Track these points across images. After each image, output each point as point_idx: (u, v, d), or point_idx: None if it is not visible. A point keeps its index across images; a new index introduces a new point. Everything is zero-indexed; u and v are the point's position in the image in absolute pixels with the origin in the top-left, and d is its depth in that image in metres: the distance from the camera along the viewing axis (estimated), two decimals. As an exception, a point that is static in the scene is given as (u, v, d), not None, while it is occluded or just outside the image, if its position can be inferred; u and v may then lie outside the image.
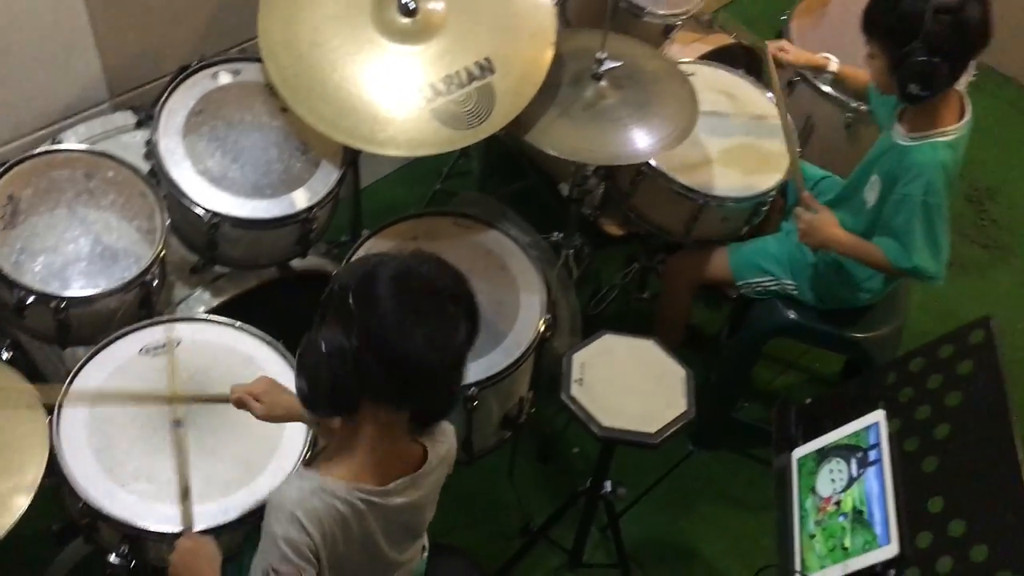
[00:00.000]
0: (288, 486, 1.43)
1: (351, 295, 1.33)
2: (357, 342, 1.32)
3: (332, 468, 1.43)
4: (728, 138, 2.59)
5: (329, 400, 1.38)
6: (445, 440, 1.55)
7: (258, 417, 1.67)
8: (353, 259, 1.39)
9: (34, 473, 1.67)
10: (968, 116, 2.16)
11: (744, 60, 3.00)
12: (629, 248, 3.18)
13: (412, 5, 2.13)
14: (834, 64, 2.48)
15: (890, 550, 1.59)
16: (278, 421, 1.70)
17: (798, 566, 1.71)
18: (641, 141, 2.22)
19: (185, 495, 1.69)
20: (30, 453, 1.69)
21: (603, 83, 2.26)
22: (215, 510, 1.76)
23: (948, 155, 2.13)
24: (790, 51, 2.50)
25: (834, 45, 2.65)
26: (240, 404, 1.67)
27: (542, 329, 2.17)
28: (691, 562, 2.65)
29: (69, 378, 1.87)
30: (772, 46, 2.51)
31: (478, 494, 2.64)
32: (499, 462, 2.61)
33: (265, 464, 1.83)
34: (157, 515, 1.74)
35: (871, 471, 1.72)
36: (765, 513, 2.70)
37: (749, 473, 2.81)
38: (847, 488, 1.73)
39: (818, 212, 2.30)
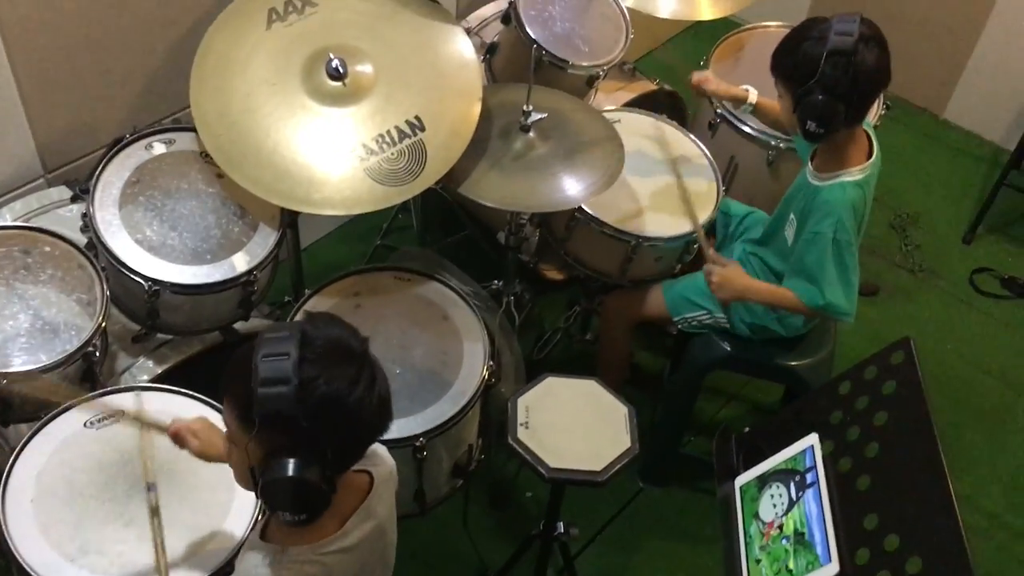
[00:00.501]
0: (248, 564, 1.44)
1: (284, 403, 1.29)
2: (314, 446, 1.33)
3: (290, 534, 1.42)
4: (656, 180, 2.68)
5: (303, 510, 1.38)
6: (383, 460, 1.58)
7: (193, 453, 1.70)
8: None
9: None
10: (875, 155, 2.26)
11: (667, 105, 3.11)
12: (569, 292, 3.25)
13: (341, 69, 2.19)
14: (753, 95, 2.59)
15: (831, 569, 1.64)
16: (211, 461, 1.71)
17: (746, 591, 1.76)
18: (571, 188, 2.29)
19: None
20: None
21: (531, 134, 2.34)
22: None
23: (856, 194, 2.22)
24: (712, 82, 2.60)
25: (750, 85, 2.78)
26: (176, 436, 1.71)
27: (486, 376, 2.21)
28: (649, 600, 2.68)
29: (14, 454, 1.86)
30: (696, 76, 2.61)
31: (433, 545, 2.65)
32: (452, 511, 2.62)
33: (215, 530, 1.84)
34: (108, 587, 1.73)
35: (809, 493, 1.78)
36: (718, 545, 2.75)
37: (699, 506, 2.86)
38: (788, 511, 1.79)
39: (726, 266, 2.39)
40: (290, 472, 1.32)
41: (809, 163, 2.32)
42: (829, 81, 2.08)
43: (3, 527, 1.74)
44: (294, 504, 1.36)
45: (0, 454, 2.20)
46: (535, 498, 2.82)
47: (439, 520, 2.50)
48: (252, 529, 1.80)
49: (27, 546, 1.75)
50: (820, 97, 2.10)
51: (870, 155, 2.26)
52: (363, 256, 3.30)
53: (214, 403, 2.00)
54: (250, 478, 1.38)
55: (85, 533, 1.79)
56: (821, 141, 2.21)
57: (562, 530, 2.32)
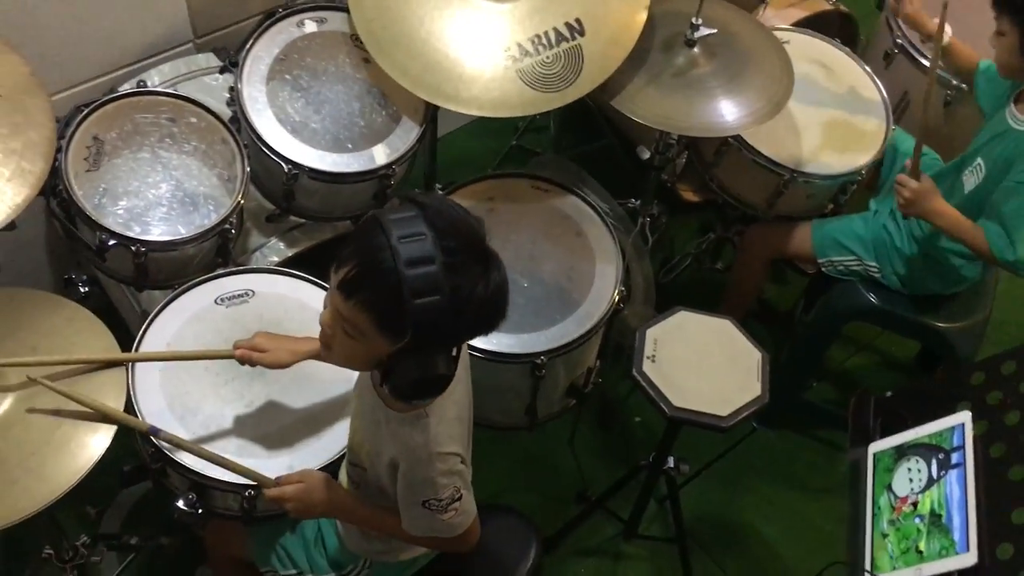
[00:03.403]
0: (401, 441, 1.47)
1: (436, 313, 1.28)
2: (453, 340, 1.36)
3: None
4: (820, 110, 2.50)
5: (436, 394, 1.44)
6: None
7: (267, 366, 1.73)
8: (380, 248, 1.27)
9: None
10: None
11: (838, 28, 2.88)
12: (703, 215, 3.12)
13: (504, -40, 2.07)
14: (948, 34, 2.36)
15: (968, 558, 1.54)
16: (289, 365, 1.74)
17: (868, 565, 1.67)
18: (731, 114, 2.14)
19: None
20: (107, 396, 1.71)
21: (696, 50, 2.19)
22: (282, 464, 1.77)
23: None
24: (914, 3, 2.37)
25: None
26: (244, 359, 1.73)
27: (616, 300, 2.13)
28: (748, 542, 2.62)
29: (147, 321, 1.88)
30: None
31: (537, 458, 2.64)
32: (561, 428, 2.59)
33: (333, 421, 1.84)
34: (226, 465, 1.75)
35: (953, 474, 1.66)
36: (827, 497, 2.68)
37: (812, 455, 2.77)
38: (926, 489, 1.68)
39: (922, 181, 2.19)
40: (434, 370, 1.35)
41: (1012, 106, 2.11)
42: None
43: (132, 393, 1.77)
44: (430, 392, 1.42)
45: (133, 318, 2.26)
46: (644, 423, 2.77)
47: (546, 434, 2.47)
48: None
49: (151, 412, 1.78)
50: None
51: None
52: (496, 153, 3.22)
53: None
54: (375, 365, 1.38)
55: (207, 409, 1.81)
56: None
57: (672, 465, 2.26)
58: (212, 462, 1.69)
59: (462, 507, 1.53)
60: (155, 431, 1.68)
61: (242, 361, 1.75)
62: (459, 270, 1.27)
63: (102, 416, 1.68)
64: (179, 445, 1.70)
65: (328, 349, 1.41)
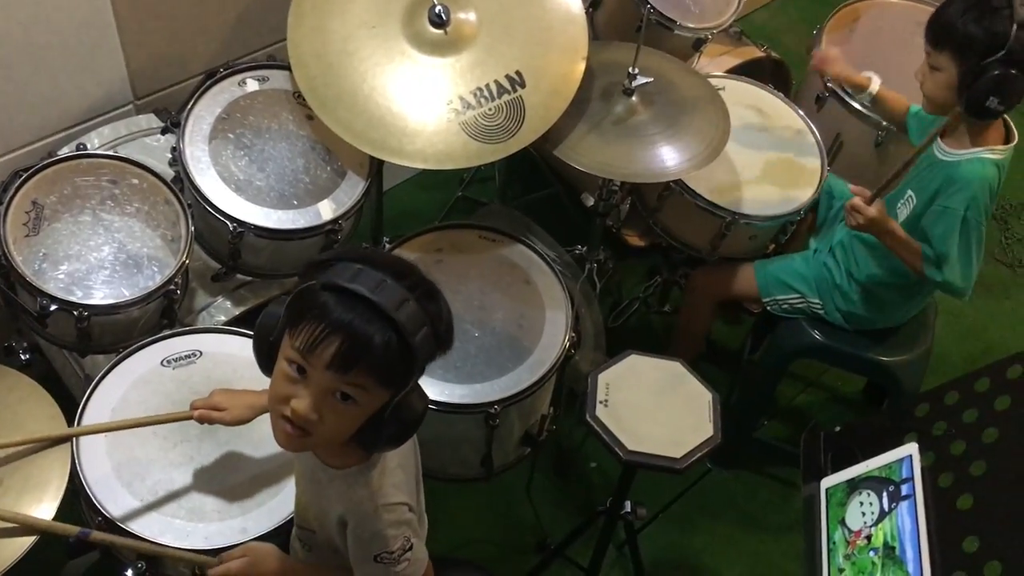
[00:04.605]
0: (346, 498, 1.45)
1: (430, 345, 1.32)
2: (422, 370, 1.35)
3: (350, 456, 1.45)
4: (758, 153, 2.56)
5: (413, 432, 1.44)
6: None
7: (228, 423, 1.72)
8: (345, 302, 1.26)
9: (56, 486, 1.65)
10: (1015, 139, 2.15)
11: (771, 74, 2.97)
12: (649, 259, 3.16)
13: (443, 16, 2.10)
14: (875, 84, 2.45)
15: (923, 589, 1.56)
16: (249, 420, 1.73)
17: (826, 601, 1.68)
18: (671, 159, 2.19)
19: None
20: (52, 466, 1.67)
21: (634, 99, 2.23)
22: (235, 527, 1.74)
23: (993, 172, 2.11)
24: (837, 63, 2.48)
25: (863, 62, 2.62)
26: (203, 419, 1.71)
27: (567, 347, 2.14)
28: (708, 582, 2.63)
29: (88, 391, 1.85)
30: (818, 55, 2.50)
31: (495, 509, 2.62)
32: (517, 477, 2.58)
33: (287, 478, 1.81)
34: (176, 530, 1.71)
35: (904, 506, 1.69)
36: (785, 535, 2.70)
37: (768, 494, 2.79)
38: (878, 522, 1.71)
39: (876, 208, 2.23)
40: (419, 407, 1.38)
41: (938, 139, 2.19)
42: (1019, 56, 1.96)
43: (76, 461, 1.73)
44: (412, 431, 1.42)
45: (77, 384, 2.21)
46: (600, 469, 2.77)
47: (502, 484, 2.45)
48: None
49: (99, 482, 1.74)
50: (1011, 71, 1.97)
51: (1008, 138, 2.15)
52: (443, 205, 3.23)
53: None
54: (361, 424, 1.35)
55: (156, 474, 1.77)
56: (992, 119, 2.10)
57: (629, 509, 2.25)
58: (150, 553, 1.66)
59: (414, 556, 1.51)
60: (85, 534, 1.62)
61: (200, 421, 1.72)
62: (427, 298, 1.30)
63: (28, 529, 1.60)
64: (112, 543, 1.65)
65: (305, 436, 1.33)
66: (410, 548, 1.49)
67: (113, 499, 1.72)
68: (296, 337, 1.27)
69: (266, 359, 1.38)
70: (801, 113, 2.66)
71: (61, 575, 2.31)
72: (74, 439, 1.75)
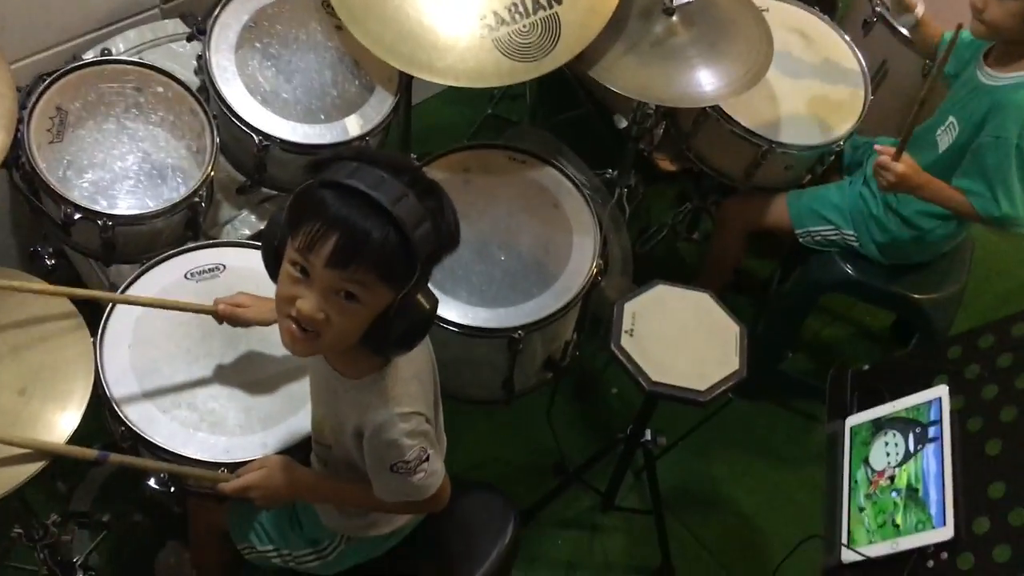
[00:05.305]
0: (361, 408, 1.45)
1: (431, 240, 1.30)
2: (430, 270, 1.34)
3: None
4: (799, 80, 2.47)
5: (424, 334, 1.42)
6: None
7: (250, 322, 1.72)
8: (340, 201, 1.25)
9: (80, 396, 1.66)
10: None
11: (819, -4, 2.85)
12: (680, 185, 3.09)
13: (480, -75, 2.01)
14: (921, 8, 2.34)
15: (944, 532, 1.55)
16: (272, 323, 1.70)
17: (844, 539, 1.68)
18: (710, 83, 2.11)
19: None
20: (76, 376, 1.67)
21: (675, 19, 2.15)
22: (255, 442, 1.74)
23: None
24: None
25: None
26: (225, 314, 1.72)
27: (594, 273, 2.11)
28: (725, 512, 2.63)
29: (110, 304, 1.84)
30: None
31: (514, 431, 2.62)
32: (537, 400, 2.58)
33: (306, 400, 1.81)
34: (198, 443, 1.72)
35: (930, 448, 1.66)
36: (803, 468, 2.70)
37: (788, 426, 2.78)
38: (903, 463, 1.69)
39: (905, 163, 2.17)
40: (427, 308, 1.36)
41: (981, 63, 2.11)
42: None
43: (100, 371, 1.73)
44: (422, 333, 1.40)
45: (99, 287, 2.21)
46: (620, 395, 2.76)
47: (523, 408, 2.45)
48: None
49: (121, 391, 1.74)
50: None
51: None
52: (471, 122, 3.17)
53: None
54: (369, 325, 1.34)
55: (179, 386, 1.77)
56: None
57: (649, 438, 2.25)
58: (168, 473, 1.67)
59: (431, 467, 1.51)
60: (104, 456, 1.62)
61: (221, 318, 1.72)
62: (426, 194, 1.29)
63: (44, 453, 1.59)
64: (132, 464, 1.66)
65: (316, 339, 1.33)
66: (426, 459, 1.49)
67: (136, 409, 1.73)
68: (297, 238, 1.28)
69: (273, 265, 1.38)
70: (847, 38, 2.56)
71: (87, 477, 2.36)
72: (97, 349, 1.74)
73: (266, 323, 1.73)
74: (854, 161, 2.53)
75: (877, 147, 2.15)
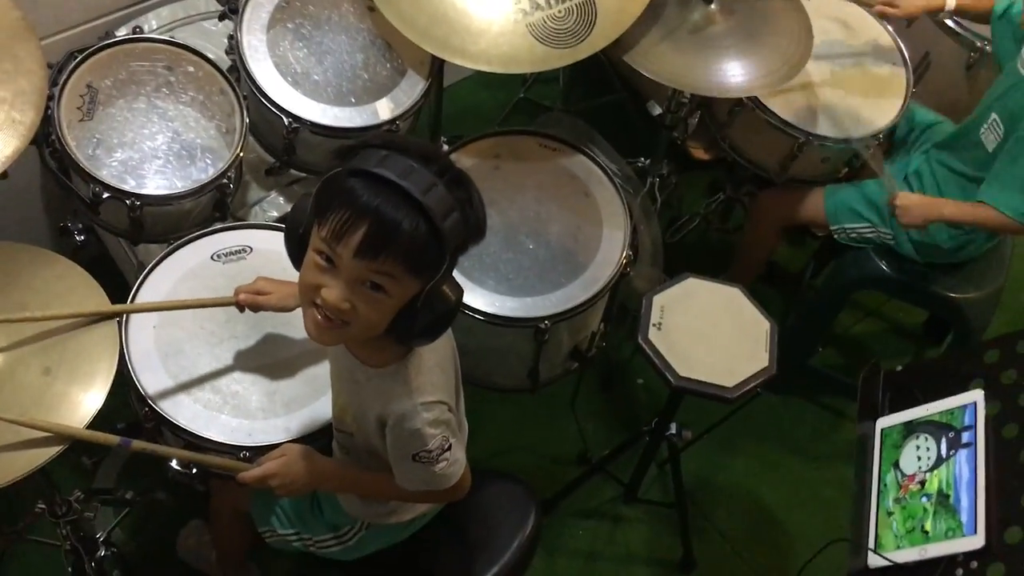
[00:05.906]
0: (384, 397, 1.44)
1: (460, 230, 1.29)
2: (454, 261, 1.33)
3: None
4: (839, 71, 2.42)
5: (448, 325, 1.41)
6: None
7: (271, 309, 1.70)
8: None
9: (105, 376, 1.65)
10: None
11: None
12: (713, 174, 3.05)
13: (516, -93, 1.98)
14: (951, 1, 2.27)
15: (975, 541, 1.51)
16: (294, 309, 1.70)
17: (872, 543, 1.65)
18: (747, 74, 2.07)
19: None
20: (101, 356, 1.67)
21: (713, 6, 2.11)
22: (278, 426, 1.74)
23: None
24: (900, 5, 2.28)
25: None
26: (247, 303, 1.70)
27: (623, 264, 2.08)
28: (749, 507, 2.60)
29: (142, 276, 1.84)
30: (878, 4, 2.31)
31: (539, 420, 2.61)
32: (562, 390, 2.56)
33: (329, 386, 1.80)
34: (221, 426, 1.72)
35: (963, 454, 1.63)
36: (829, 465, 2.66)
37: (816, 422, 2.74)
38: (934, 468, 1.65)
39: (907, 195, 2.16)
40: (452, 298, 1.34)
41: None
42: None
43: (125, 351, 1.73)
44: (447, 324, 1.39)
45: (130, 269, 2.21)
46: (646, 386, 2.74)
47: (548, 397, 2.44)
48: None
49: (145, 371, 1.74)
50: None
51: None
52: (503, 105, 3.14)
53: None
54: (395, 316, 1.33)
55: (202, 367, 1.77)
56: None
57: (674, 431, 2.23)
58: (190, 461, 1.66)
59: (452, 456, 1.50)
60: (126, 443, 1.61)
61: (243, 307, 1.72)
62: (455, 184, 1.27)
63: (66, 438, 1.59)
64: (154, 452, 1.65)
65: (342, 327, 1.32)
66: (448, 448, 1.48)
67: (160, 391, 1.73)
68: (324, 226, 1.26)
69: (297, 253, 1.36)
70: (890, 29, 2.50)
71: (112, 452, 2.37)
72: (122, 328, 1.74)
73: (287, 310, 1.71)
74: (908, 142, 2.46)
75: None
